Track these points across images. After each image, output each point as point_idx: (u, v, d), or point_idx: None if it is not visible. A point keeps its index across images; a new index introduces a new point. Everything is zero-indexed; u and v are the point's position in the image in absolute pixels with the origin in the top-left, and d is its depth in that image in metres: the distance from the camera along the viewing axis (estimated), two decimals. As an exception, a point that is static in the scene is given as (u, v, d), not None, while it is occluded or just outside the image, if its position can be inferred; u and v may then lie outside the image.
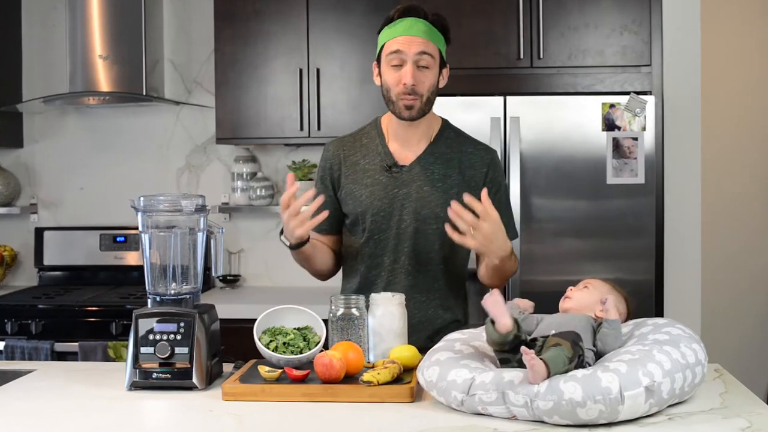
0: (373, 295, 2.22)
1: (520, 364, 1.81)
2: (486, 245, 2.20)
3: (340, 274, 2.57)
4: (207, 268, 2.37)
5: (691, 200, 3.56)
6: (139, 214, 2.16)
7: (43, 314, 3.68)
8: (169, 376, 2.07)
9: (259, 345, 2.12)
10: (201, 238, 2.19)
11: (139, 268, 4.04)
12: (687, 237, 3.56)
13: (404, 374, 2.03)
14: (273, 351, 2.10)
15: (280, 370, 2.02)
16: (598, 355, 1.91)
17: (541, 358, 1.76)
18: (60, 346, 3.59)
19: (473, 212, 2.17)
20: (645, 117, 3.36)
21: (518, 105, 3.39)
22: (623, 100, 3.36)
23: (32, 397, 2.05)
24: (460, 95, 3.30)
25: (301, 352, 2.10)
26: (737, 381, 2.10)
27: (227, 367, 2.24)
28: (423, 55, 2.30)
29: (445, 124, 2.48)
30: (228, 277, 4.16)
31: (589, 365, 1.84)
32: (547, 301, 2.22)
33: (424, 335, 2.37)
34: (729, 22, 4.52)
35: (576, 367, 1.80)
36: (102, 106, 4.25)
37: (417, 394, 1.98)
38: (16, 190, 4.30)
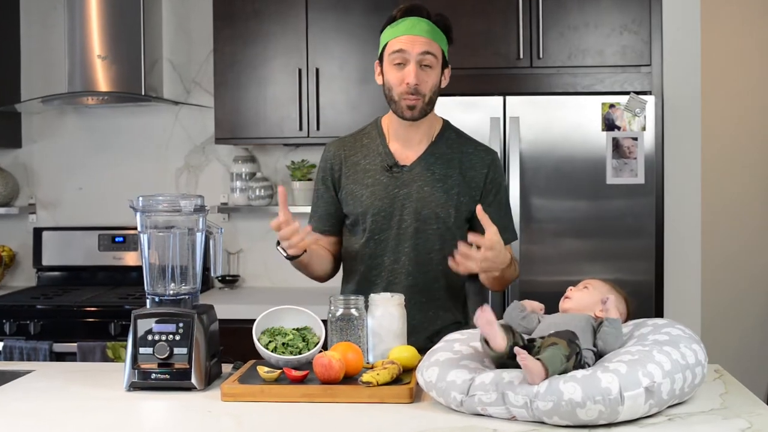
0: (372, 296, 2.21)
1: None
2: (490, 267, 2.20)
3: (339, 274, 2.56)
4: (206, 268, 2.37)
5: (691, 200, 3.55)
6: (138, 214, 2.16)
7: (41, 315, 3.67)
8: (167, 376, 2.07)
9: (258, 345, 2.12)
10: (200, 238, 2.19)
11: (138, 269, 4.04)
12: (687, 237, 3.55)
13: (403, 375, 2.03)
14: (272, 351, 2.10)
15: (279, 371, 2.02)
16: (598, 356, 1.91)
17: (538, 358, 1.76)
18: (58, 347, 3.58)
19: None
20: (645, 117, 3.35)
21: (518, 105, 3.39)
22: (623, 100, 3.36)
23: (31, 397, 2.05)
24: (459, 95, 3.30)
25: (300, 353, 2.10)
26: (737, 381, 2.10)
27: (226, 368, 2.24)
28: (426, 55, 2.30)
29: (446, 125, 2.48)
30: (227, 278, 4.15)
31: (589, 365, 1.84)
32: (547, 302, 2.22)
33: (423, 336, 2.36)
34: (729, 22, 4.52)
35: (575, 367, 1.80)
36: (101, 106, 4.24)
37: (416, 395, 1.98)
38: (14, 190, 4.29)
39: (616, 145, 3.36)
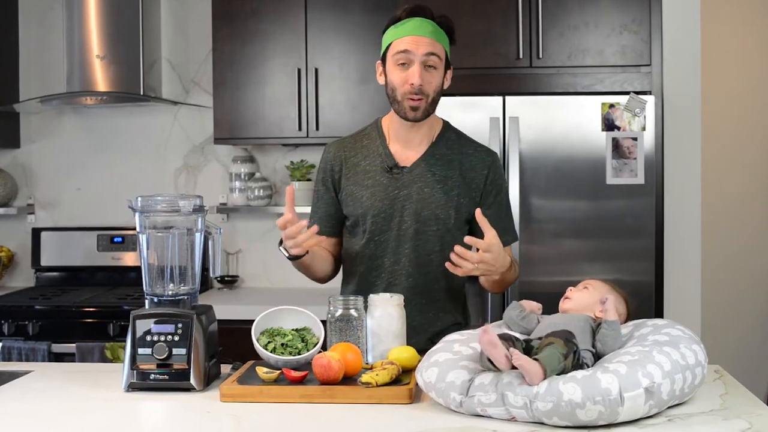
0: (371, 296, 2.21)
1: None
2: (488, 270, 2.19)
3: (339, 275, 2.56)
4: (205, 268, 2.37)
5: (691, 200, 3.55)
6: (137, 214, 2.15)
7: (40, 315, 3.67)
8: (166, 377, 2.07)
9: (257, 346, 2.12)
10: (199, 238, 2.19)
11: (137, 269, 4.05)
12: (687, 237, 3.55)
13: (403, 375, 2.03)
14: (271, 352, 2.09)
15: (278, 372, 2.02)
16: (597, 357, 1.90)
17: (535, 358, 1.76)
18: (57, 347, 3.58)
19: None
20: (645, 117, 3.35)
21: (517, 105, 3.39)
22: (623, 100, 3.36)
23: (29, 398, 2.05)
24: (458, 95, 3.30)
25: (299, 353, 2.10)
26: (737, 382, 2.10)
27: (225, 368, 2.24)
28: (431, 56, 2.30)
29: (446, 126, 2.48)
30: (226, 278, 4.15)
31: (588, 366, 1.84)
32: (547, 302, 2.22)
33: (424, 337, 2.36)
34: (729, 22, 4.52)
35: (573, 366, 1.79)
36: (99, 106, 4.24)
37: (416, 396, 1.97)
38: (13, 190, 4.29)
39: (616, 145, 3.36)
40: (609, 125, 3.36)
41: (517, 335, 1.96)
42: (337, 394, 1.94)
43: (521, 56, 3.52)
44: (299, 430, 1.80)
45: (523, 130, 3.38)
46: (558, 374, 1.76)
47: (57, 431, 1.82)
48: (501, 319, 2.17)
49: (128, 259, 4.17)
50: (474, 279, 2.46)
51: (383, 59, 2.37)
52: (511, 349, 1.76)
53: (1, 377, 2.25)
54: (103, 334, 3.60)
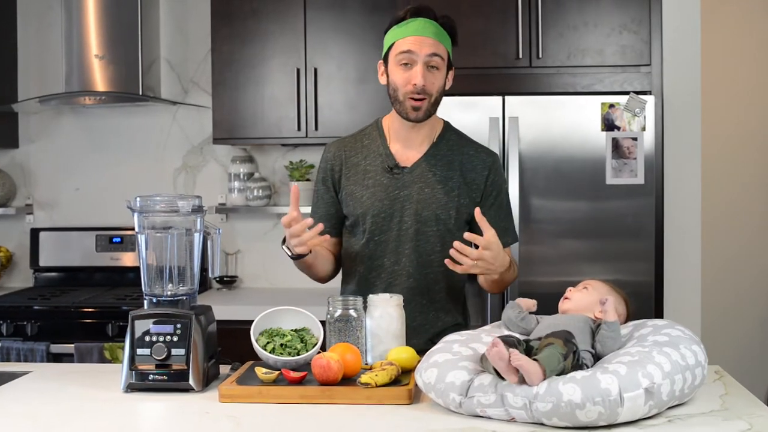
0: (370, 297, 2.21)
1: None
2: (488, 268, 2.19)
3: (339, 275, 2.55)
4: (203, 269, 2.36)
5: (691, 201, 3.54)
6: (136, 214, 2.15)
7: (38, 315, 3.66)
8: (165, 377, 2.06)
9: (256, 346, 2.11)
10: (198, 238, 2.18)
11: (136, 269, 4.04)
12: (687, 238, 3.55)
13: (402, 376, 2.03)
14: (270, 353, 2.09)
15: (277, 372, 2.02)
16: (597, 357, 1.90)
17: (535, 359, 1.76)
18: (56, 348, 3.57)
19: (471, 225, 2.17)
20: (645, 117, 3.35)
21: (517, 105, 3.38)
22: (623, 100, 3.35)
23: (27, 399, 2.05)
24: (458, 95, 3.29)
25: (298, 354, 2.09)
26: (737, 383, 2.10)
27: (224, 369, 2.23)
28: (434, 56, 2.30)
29: (447, 126, 2.48)
30: (225, 279, 4.15)
31: (588, 367, 1.84)
32: (547, 303, 2.21)
33: (424, 338, 2.36)
34: (729, 22, 4.52)
35: (573, 366, 1.79)
36: (98, 106, 4.23)
37: (415, 396, 1.97)
38: (11, 190, 4.28)
39: (616, 145, 3.35)
40: (609, 125, 3.36)
41: (518, 336, 1.96)
42: (336, 395, 1.94)
43: (521, 56, 3.52)
44: (298, 430, 1.80)
45: (523, 130, 3.38)
46: (557, 375, 1.76)
47: (55, 432, 1.82)
48: (500, 319, 2.17)
49: (127, 259, 4.17)
50: (473, 279, 2.46)
51: (385, 59, 2.37)
52: (511, 349, 1.76)
53: (0, 378, 2.25)
54: (102, 335, 3.60)
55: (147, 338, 2.08)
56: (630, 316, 2.12)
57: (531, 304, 2.12)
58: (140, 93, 3.98)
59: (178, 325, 2.08)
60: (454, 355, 1.93)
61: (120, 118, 4.29)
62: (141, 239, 2.16)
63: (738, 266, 4.53)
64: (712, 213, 4.38)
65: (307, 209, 2.53)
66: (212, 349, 2.16)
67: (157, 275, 2.16)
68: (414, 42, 2.29)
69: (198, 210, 2.17)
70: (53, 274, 4.23)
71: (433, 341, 2.23)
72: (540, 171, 3.38)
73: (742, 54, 4.53)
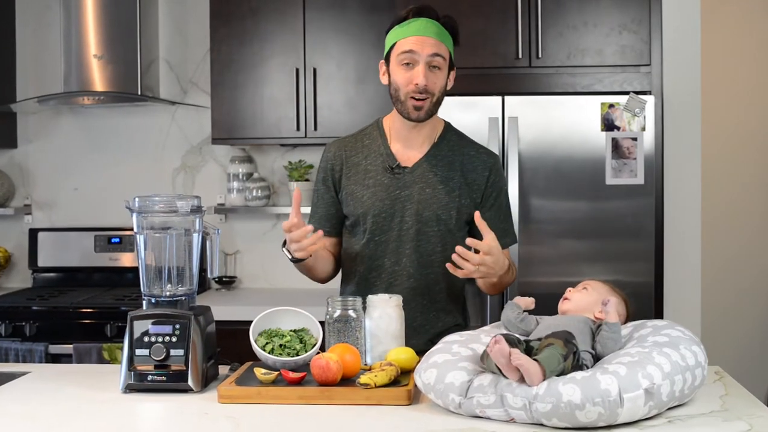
0: (370, 297, 2.21)
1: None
2: (488, 273, 2.19)
3: (338, 275, 2.55)
4: (202, 269, 2.36)
5: (690, 201, 3.54)
6: (134, 215, 2.15)
7: (37, 316, 3.66)
8: (164, 378, 2.06)
9: (255, 347, 2.11)
10: (196, 239, 2.18)
11: (134, 270, 4.04)
12: (687, 238, 3.54)
13: (401, 377, 2.02)
14: (269, 353, 2.09)
15: (276, 373, 2.01)
16: (597, 358, 1.90)
17: (535, 359, 1.75)
18: (54, 348, 3.57)
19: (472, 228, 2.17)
20: (644, 117, 3.34)
21: (516, 105, 3.38)
22: (622, 100, 3.35)
23: (26, 399, 2.04)
24: (457, 95, 3.29)
25: (297, 355, 2.09)
26: (737, 383, 2.10)
27: (223, 370, 2.23)
28: (436, 57, 2.30)
29: (448, 127, 2.48)
30: (224, 279, 4.14)
31: (587, 367, 1.83)
32: (546, 303, 2.21)
33: (425, 338, 2.36)
34: (729, 22, 4.52)
35: (573, 367, 1.79)
36: (97, 106, 4.23)
37: (414, 397, 1.97)
38: (10, 190, 4.28)
39: (616, 145, 3.35)
40: (608, 125, 3.35)
41: (518, 336, 1.95)
42: (335, 396, 1.94)
43: (520, 56, 3.51)
44: (297, 431, 1.79)
45: (523, 130, 3.38)
46: (557, 375, 1.76)
47: (54, 433, 1.81)
48: (499, 320, 2.16)
49: (126, 259, 4.16)
50: (472, 280, 2.46)
51: (387, 59, 2.37)
52: (511, 348, 1.76)
53: (-2, 378, 2.25)
54: (101, 335, 3.59)
55: (146, 339, 2.08)
56: (630, 317, 2.12)
57: (529, 302, 2.12)
58: (139, 93, 3.97)
59: (177, 326, 2.08)
60: (454, 356, 1.93)
61: (119, 118, 4.29)
62: (140, 239, 2.16)
63: (738, 266, 4.52)
64: (712, 213, 4.38)
65: (307, 209, 2.53)
66: (211, 350, 2.16)
67: (155, 276, 2.16)
68: (416, 42, 2.29)
69: (197, 210, 2.16)
70: (52, 274, 4.22)
71: (433, 341, 2.23)
72: (539, 171, 3.38)
73: (742, 54, 4.53)
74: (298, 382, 1.98)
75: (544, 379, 1.74)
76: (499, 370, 1.80)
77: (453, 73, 2.40)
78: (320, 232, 2.24)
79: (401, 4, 3.42)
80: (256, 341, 2.12)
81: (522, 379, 1.76)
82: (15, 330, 3.63)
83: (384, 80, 2.39)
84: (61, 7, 3.97)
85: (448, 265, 2.17)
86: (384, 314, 2.17)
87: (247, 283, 4.25)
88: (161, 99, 4.16)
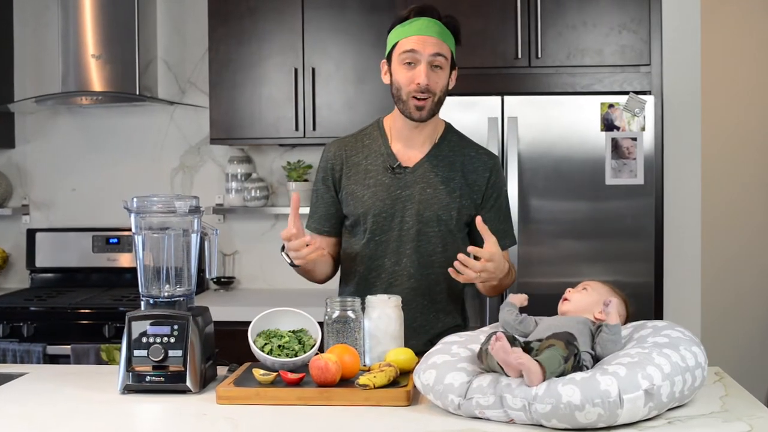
0: (369, 298, 2.20)
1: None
2: (488, 277, 2.20)
3: (337, 276, 2.54)
4: (201, 270, 2.35)
5: (690, 201, 3.54)
6: (132, 215, 2.14)
7: (35, 316, 3.65)
8: (162, 379, 2.06)
9: (254, 348, 2.10)
10: (195, 239, 2.17)
11: (132, 270, 4.03)
12: (687, 238, 3.54)
13: (401, 377, 2.02)
14: (268, 354, 2.08)
15: (275, 374, 2.01)
16: (596, 359, 1.89)
17: (536, 359, 1.75)
18: (52, 349, 3.56)
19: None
20: (644, 117, 3.34)
21: (516, 105, 3.37)
22: (622, 99, 3.34)
23: (24, 400, 2.04)
24: (457, 95, 3.28)
25: (296, 355, 2.09)
26: (738, 384, 2.09)
27: (221, 371, 2.23)
28: (437, 56, 2.30)
29: (448, 127, 2.48)
30: (222, 279, 4.13)
31: (587, 368, 1.83)
32: (546, 304, 2.21)
33: (424, 339, 2.36)
34: (729, 22, 4.52)
35: (573, 369, 1.78)
36: (95, 106, 4.22)
37: (413, 398, 1.97)
38: (7, 191, 4.27)
39: (616, 145, 3.34)
40: (608, 125, 3.35)
41: (515, 336, 1.95)
42: (334, 397, 1.93)
43: (520, 56, 3.51)
44: (296, 432, 1.79)
45: (522, 130, 3.37)
46: (557, 376, 1.75)
47: (51, 434, 1.81)
48: (498, 321, 2.16)
49: (124, 260, 4.16)
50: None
51: (389, 58, 2.36)
52: (513, 347, 1.75)
53: (-4, 379, 2.24)
54: (99, 336, 3.58)
55: (144, 339, 2.07)
56: (630, 318, 2.12)
57: (523, 298, 2.13)
58: (137, 93, 3.97)
59: (175, 327, 2.08)
60: (453, 357, 1.93)
61: (117, 118, 4.28)
62: (138, 240, 2.15)
63: (738, 266, 4.52)
64: (712, 213, 4.37)
65: (302, 210, 2.52)
66: (209, 351, 2.16)
67: (154, 276, 2.15)
68: (417, 41, 2.29)
69: (195, 210, 2.16)
70: (50, 275, 4.21)
71: (433, 342, 2.23)
72: (539, 171, 3.38)
73: (742, 54, 4.53)
74: (297, 383, 1.98)
75: (543, 380, 1.74)
76: (501, 368, 1.79)
77: (455, 73, 2.39)
78: (318, 242, 2.24)
79: (401, 4, 3.42)
80: (254, 342, 2.12)
81: (521, 375, 1.75)
82: (13, 331, 3.62)
83: (386, 80, 2.39)
84: (59, 7, 3.97)
85: (450, 270, 2.18)
86: (383, 315, 2.17)
87: (246, 283, 4.24)
88: (159, 99, 4.15)
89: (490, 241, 2.16)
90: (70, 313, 3.66)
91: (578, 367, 1.81)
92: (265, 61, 3.89)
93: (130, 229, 2.22)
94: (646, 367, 1.75)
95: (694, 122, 3.55)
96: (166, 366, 2.06)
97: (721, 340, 4.33)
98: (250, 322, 2.16)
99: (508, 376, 1.79)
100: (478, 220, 2.19)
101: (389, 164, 2.40)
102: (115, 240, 4.15)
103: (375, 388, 1.93)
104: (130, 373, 2.06)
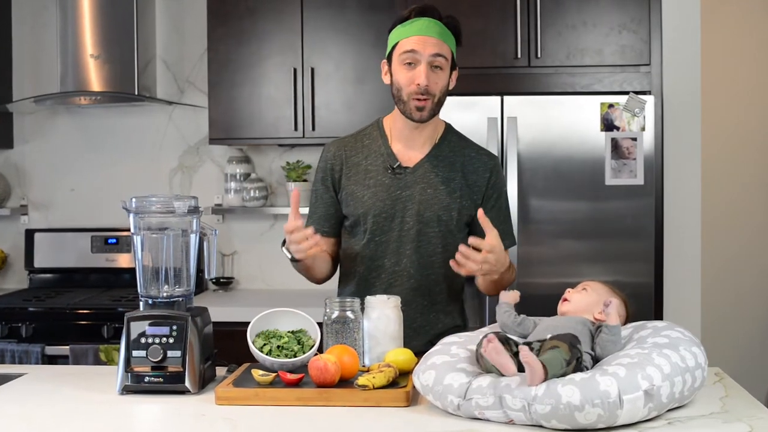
0: (368, 298, 2.20)
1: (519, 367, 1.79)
2: (489, 269, 2.20)
3: (336, 276, 2.54)
4: (200, 270, 2.35)
5: (690, 201, 3.54)
6: (131, 215, 2.14)
7: (33, 317, 3.65)
8: (161, 380, 2.06)
9: (253, 348, 2.10)
10: (194, 240, 2.17)
11: (131, 271, 3.99)
12: (687, 238, 3.54)
13: (400, 378, 2.02)
14: (267, 354, 2.08)
15: (274, 374, 2.01)
16: (596, 360, 1.89)
17: (539, 359, 1.74)
18: (51, 350, 3.56)
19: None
20: (644, 117, 3.34)
21: (516, 105, 3.37)
22: (622, 99, 3.34)
23: (22, 401, 2.03)
24: (456, 95, 3.26)
25: (295, 356, 2.08)
26: (738, 385, 2.09)
27: (220, 371, 2.23)
28: (438, 57, 2.29)
29: (448, 128, 2.47)
30: (221, 280, 4.13)
31: (587, 369, 1.83)
32: (546, 304, 2.20)
33: (425, 339, 2.35)
34: (729, 22, 4.52)
35: (574, 371, 1.77)
36: (93, 106, 4.22)
37: (413, 399, 1.97)
38: (6, 191, 4.26)
39: (615, 145, 3.34)
40: (608, 125, 3.35)
41: (509, 336, 1.95)
42: (333, 397, 1.93)
43: (519, 56, 3.50)
44: (295, 433, 1.79)
45: (522, 131, 3.37)
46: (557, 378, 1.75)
47: (49, 435, 1.81)
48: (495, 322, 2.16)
49: (123, 260, 4.15)
50: (471, 281, 2.46)
51: (389, 58, 2.36)
52: (521, 345, 1.75)
53: (-6, 380, 2.24)
54: (98, 337, 3.58)
55: (143, 340, 2.07)
56: (629, 318, 2.11)
57: (516, 295, 2.12)
58: (136, 93, 3.96)
59: (174, 327, 2.07)
60: (452, 357, 1.92)
61: (115, 118, 4.28)
62: (137, 240, 2.15)
63: (738, 266, 4.52)
64: (712, 213, 4.37)
65: (302, 210, 2.51)
66: (208, 351, 2.15)
67: (152, 276, 2.15)
68: (418, 41, 2.28)
69: (194, 211, 2.15)
70: (48, 275, 4.21)
71: (432, 342, 2.22)
72: (539, 171, 3.37)
73: (742, 54, 4.53)
74: (296, 384, 1.98)
75: (544, 381, 1.73)
76: (497, 370, 1.79)
77: (455, 74, 2.39)
78: (318, 238, 2.24)
79: (400, 4, 3.42)
80: (253, 342, 2.11)
81: (515, 374, 1.75)
82: (11, 331, 3.62)
83: (386, 80, 2.39)
84: (58, 6, 3.96)
85: (451, 262, 2.18)
86: (382, 315, 2.17)
87: (245, 284, 4.24)
88: (158, 99, 4.15)
89: (492, 234, 2.16)
90: (68, 313, 3.65)
91: (578, 368, 1.80)
92: (264, 61, 3.89)
93: (128, 230, 2.22)
94: (645, 367, 1.75)
95: (694, 122, 3.55)
96: (164, 366, 2.05)
97: (721, 340, 4.33)
98: (249, 323, 2.15)
99: (505, 375, 1.79)
100: (481, 212, 2.18)
101: (389, 164, 2.40)
102: (114, 240, 4.15)
103: (374, 388, 1.93)
104: (129, 374, 2.05)
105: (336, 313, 2.14)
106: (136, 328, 2.08)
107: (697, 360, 1.85)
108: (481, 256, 2.14)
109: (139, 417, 1.95)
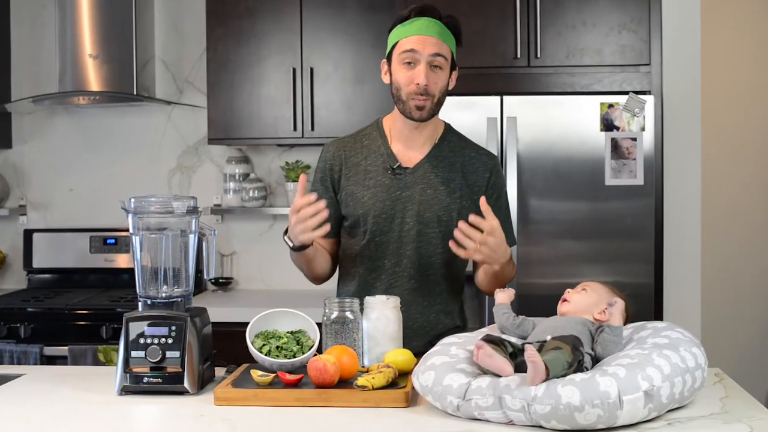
0: (367, 299, 2.20)
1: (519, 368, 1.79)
2: (490, 256, 2.19)
3: (335, 276, 2.53)
4: (198, 270, 2.34)
5: (690, 201, 3.54)
6: (130, 215, 2.14)
7: (32, 317, 3.64)
8: (160, 380, 2.05)
9: (252, 349, 2.10)
10: (193, 240, 2.17)
11: (130, 271, 4.00)
12: (686, 239, 3.54)
13: (399, 379, 2.02)
14: (266, 355, 2.08)
15: (273, 375, 2.00)
16: (596, 360, 1.88)
17: (542, 359, 1.74)
18: (49, 350, 3.56)
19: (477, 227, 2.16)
20: (644, 117, 3.33)
21: (515, 105, 3.37)
22: (622, 99, 3.34)
23: (21, 401, 2.03)
24: (456, 95, 3.26)
25: (294, 356, 2.08)
26: (738, 385, 2.09)
27: (219, 372, 2.22)
28: (437, 56, 2.29)
29: (448, 128, 2.47)
30: (220, 280, 4.13)
31: (587, 369, 1.82)
32: (545, 305, 2.20)
33: (424, 340, 2.35)
34: (729, 22, 4.52)
35: (574, 372, 1.77)
36: (92, 105, 4.21)
37: (412, 399, 1.96)
38: (4, 191, 4.26)
39: (615, 145, 3.34)
40: (608, 125, 3.34)
41: (509, 339, 1.94)
42: (332, 398, 1.93)
43: (519, 55, 3.50)
44: (294, 434, 1.79)
45: (521, 131, 3.37)
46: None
47: (48, 436, 1.80)
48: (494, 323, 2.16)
49: (121, 260, 4.15)
50: (471, 281, 2.45)
51: (389, 58, 2.36)
52: (526, 344, 1.76)
53: (-7, 380, 2.24)
54: (96, 337, 3.58)
55: (141, 340, 2.07)
56: (630, 318, 2.11)
57: (511, 294, 2.13)
58: (135, 93, 3.96)
59: (173, 328, 2.07)
60: (452, 358, 1.92)
61: (114, 118, 4.27)
62: (135, 240, 2.14)
63: (738, 266, 4.52)
64: (712, 213, 4.37)
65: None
66: (207, 352, 2.15)
67: (151, 277, 2.14)
68: (417, 41, 2.28)
69: (193, 211, 2.15)
70: (47, 275, 4.20)
71: (432, 343, 2.22)
72: (538, 171, 3.37)
73: (742, 54, 4.53)
74: (295, 384, 1.97)
75: (544, 381, 1.73)
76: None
77: (455, 73, 2.39)
78: (323, 202, 2.18)
79: (400, 4, 3.41)
80: (252, 343, 2.11)
81: (511, 374, 1.75)
82: (10, 332, 3.62)
83: (386, 80, 2.38)
84: (56, 6, 3.96)
85: (450, 242, 2.17)
86: (382, 316, 2.16)
87: (244, 284, 4.23)
88: (157, 99, 4.14)
89: (493, 221, 2.16)
90: (67, 314, 3.65)
91: (579, 369, 1.80)
92: (263, 61, 3.88)
93: (127, 230, 2.22)
94: (645, 368, 1.74)
95: (694, 122, 3.54)
96: (163, 367, 2.05)
97: (721, 340, 4.33)
98: (248, 323, 2.15)
99: (503, 377, 1.79)
100: (483, 200, 2.17)
101: (389, 165, 2.39)
102: (113, 240, 4.14)
103: (373, 389, 1.92)
104: (128, 374, 2.05)
105: (335, 314, 2.14)
106: (135, 328, 2.07)
107: (697, 360, 1.85)
108: (480, 236, 2.14)
109: (138, 417, 1.95)
